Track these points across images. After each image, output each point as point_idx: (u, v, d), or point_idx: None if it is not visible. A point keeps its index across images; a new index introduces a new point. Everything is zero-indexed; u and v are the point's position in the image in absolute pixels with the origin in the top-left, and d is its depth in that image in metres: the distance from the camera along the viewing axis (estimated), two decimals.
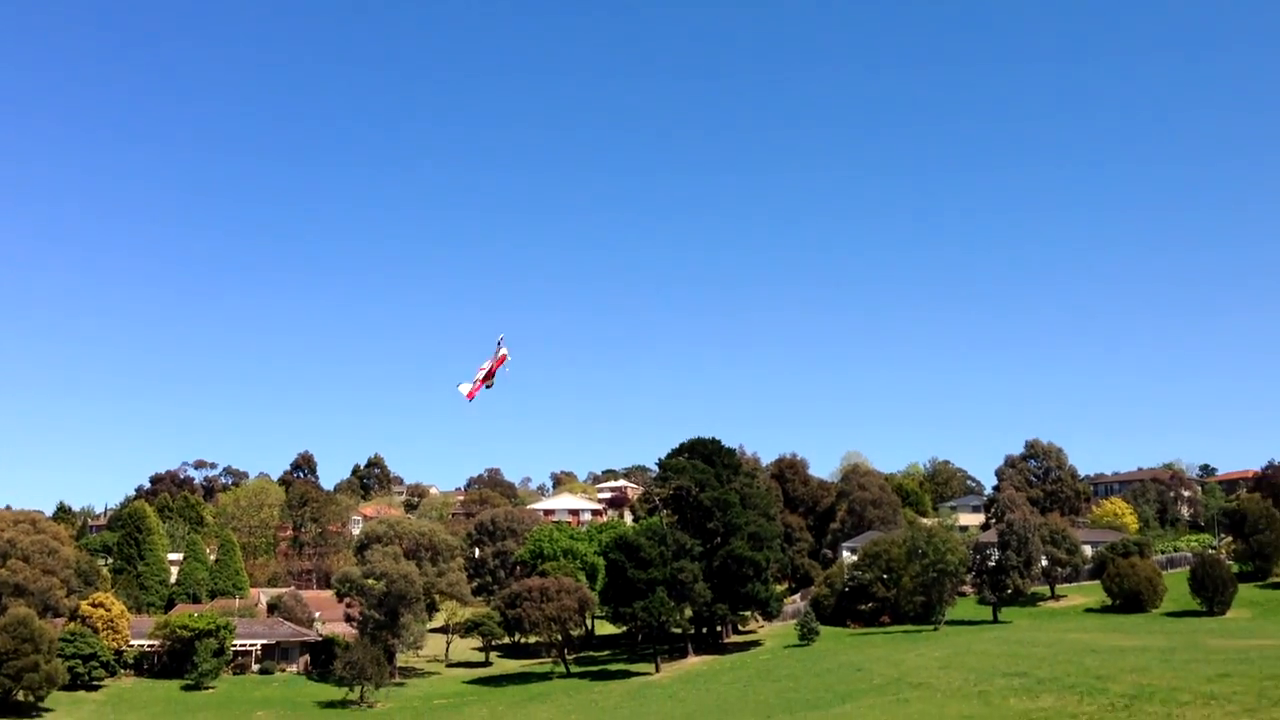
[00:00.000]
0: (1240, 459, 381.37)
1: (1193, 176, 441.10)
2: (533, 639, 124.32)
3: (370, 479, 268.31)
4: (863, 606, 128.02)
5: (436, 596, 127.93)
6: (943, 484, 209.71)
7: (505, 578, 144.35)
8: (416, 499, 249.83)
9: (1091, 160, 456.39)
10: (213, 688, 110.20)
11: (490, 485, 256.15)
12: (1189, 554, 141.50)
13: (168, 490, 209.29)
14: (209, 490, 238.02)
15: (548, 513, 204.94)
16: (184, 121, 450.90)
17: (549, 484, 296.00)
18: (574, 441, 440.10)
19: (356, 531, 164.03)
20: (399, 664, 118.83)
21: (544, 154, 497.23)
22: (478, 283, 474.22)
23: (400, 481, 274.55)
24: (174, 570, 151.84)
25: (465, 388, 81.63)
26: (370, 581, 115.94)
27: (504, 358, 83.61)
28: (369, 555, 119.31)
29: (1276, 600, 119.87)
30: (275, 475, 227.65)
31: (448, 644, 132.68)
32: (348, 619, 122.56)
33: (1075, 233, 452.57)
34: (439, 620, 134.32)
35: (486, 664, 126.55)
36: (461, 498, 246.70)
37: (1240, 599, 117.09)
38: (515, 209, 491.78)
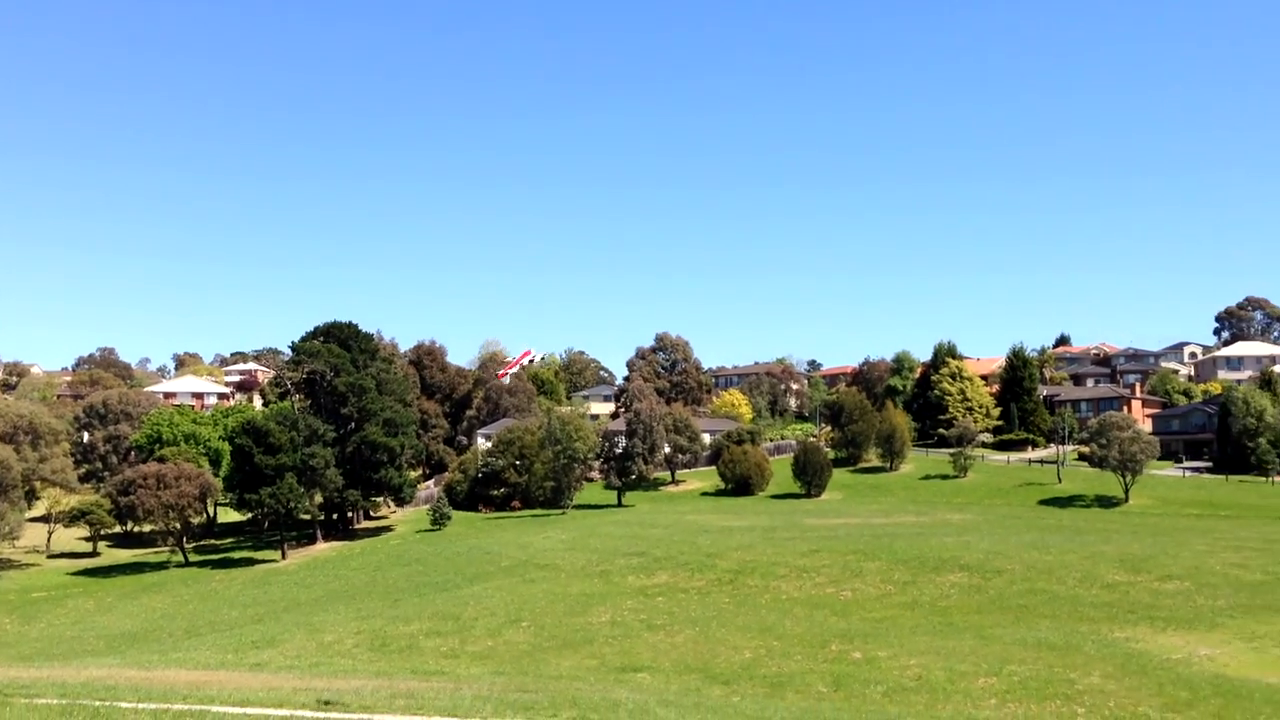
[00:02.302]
0: (842, 356, 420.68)
1: (800, 83, 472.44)
2: (148, 528, 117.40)
3: None
4: (495, 492, 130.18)
5: (38, 484, 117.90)
6: (577, 374, 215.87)
7: (118, 464, 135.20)
8: (15, 379, 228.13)
9: (686, 74, 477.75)
10: None
11: (103, 365, 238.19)
12: (794, 441, 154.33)
13: None
14: None
15: (168, 395, 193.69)
16: None
17: (171, 366, 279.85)
18: (200, 321, 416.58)
19: None
20: None
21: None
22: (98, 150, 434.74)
23: None
24: None
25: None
26: None
27: (527, 353, 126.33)
28: None
29: (864, 483, 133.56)
30: None
31: (49, 534, 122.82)
32: None
33: (698, 142, 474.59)
34: (40, 509, 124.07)
35: (94, 554, 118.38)
36: (69, 379, 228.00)
37: (834, 482, 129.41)
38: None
